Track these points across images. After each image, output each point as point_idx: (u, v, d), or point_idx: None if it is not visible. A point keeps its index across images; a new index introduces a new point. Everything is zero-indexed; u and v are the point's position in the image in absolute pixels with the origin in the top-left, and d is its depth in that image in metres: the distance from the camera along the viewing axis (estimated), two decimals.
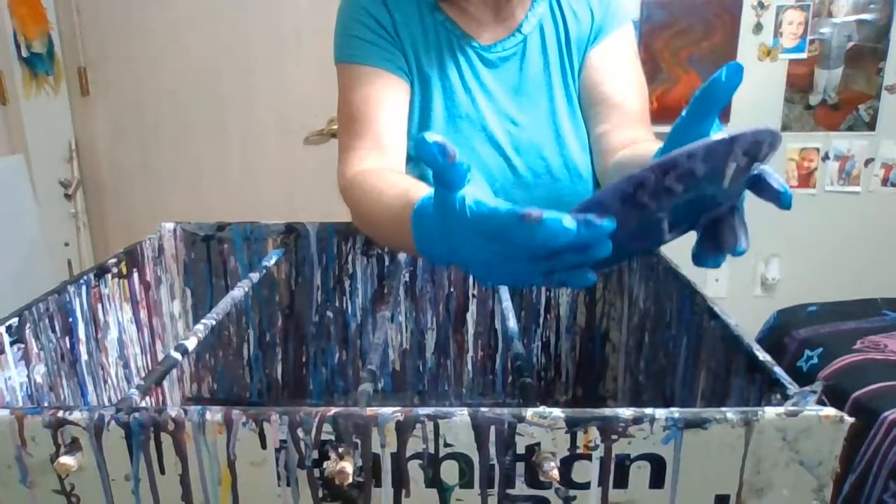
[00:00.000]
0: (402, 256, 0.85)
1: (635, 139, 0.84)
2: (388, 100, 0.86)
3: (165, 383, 0.86)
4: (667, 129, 0.65)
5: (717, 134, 0.48)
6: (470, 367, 0.89)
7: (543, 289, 0.89)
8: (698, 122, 0.50)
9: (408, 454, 0.42)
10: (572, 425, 0.41)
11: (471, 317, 0.88)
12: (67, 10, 2.25)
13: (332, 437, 0.42)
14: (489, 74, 0.91)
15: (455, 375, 0.89)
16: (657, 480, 0.42)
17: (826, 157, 2.42)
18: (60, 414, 0.42)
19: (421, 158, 0.46)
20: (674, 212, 0.49)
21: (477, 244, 0.47)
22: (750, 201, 0.54)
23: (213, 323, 0.63)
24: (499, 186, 0.91)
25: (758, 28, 2.34)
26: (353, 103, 0.86)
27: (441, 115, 0.90)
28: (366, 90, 0.86)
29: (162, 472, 0.43)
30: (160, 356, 0.84)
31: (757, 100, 2.38)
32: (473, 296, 0.87)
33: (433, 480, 0.43)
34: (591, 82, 0.91)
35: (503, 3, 0.89)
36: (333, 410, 0.42)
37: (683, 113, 0.52)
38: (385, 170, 0.79)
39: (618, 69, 0.91)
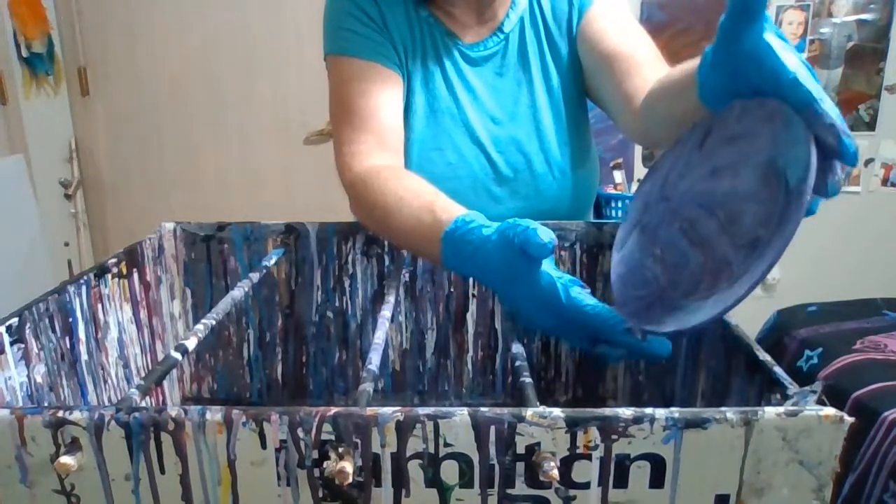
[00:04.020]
0: (401, 255, 0.85)
1: (654, 78, 0.77)
2: (385, 94, 0.86)
3: (165, 383, 0.86)
4: None
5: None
6: (470, 367, 0.89)
7: None
8: (745, 22, 0.47)
9: (408, 454, 0.42)
10: (572, 425, 0.41)
11: (471, 317, 0.87)
12: (67, 10, 2.25)
13: (332, 437, 0.42)
14: (472, 71, 0.92)
15: (455, 375, 0.89)
16: (657, 480, 0.42)
17: None
18: (60, 414, 0.42)
19: (525, 247, 0.51)
20: None
21: (543, 315, 0.54)
22: None
23: (213, 323, 0.63)
24: (479, 181, 0.92)
25: None
26: (350, 96, 0.86)
27: (422, 108, 0.91)
28: (363, 84, 0.86)
29: (162, 471, 0.43)
30: (160, 356, 0.84)
31: None
32: (473, 296, 0.87)
33: (433, 480, 0.43)
34: (590, 47, 0.90)
35: (485, 6, 0.90)
36: (333, 410, 0.42)
37: (723, 17, 0.49)
38: (400, 171, 0.80)
39: (612, 26, 0.89)
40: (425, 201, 0.65)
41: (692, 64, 0.60)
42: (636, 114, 0.79)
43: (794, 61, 0.47)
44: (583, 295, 0.52)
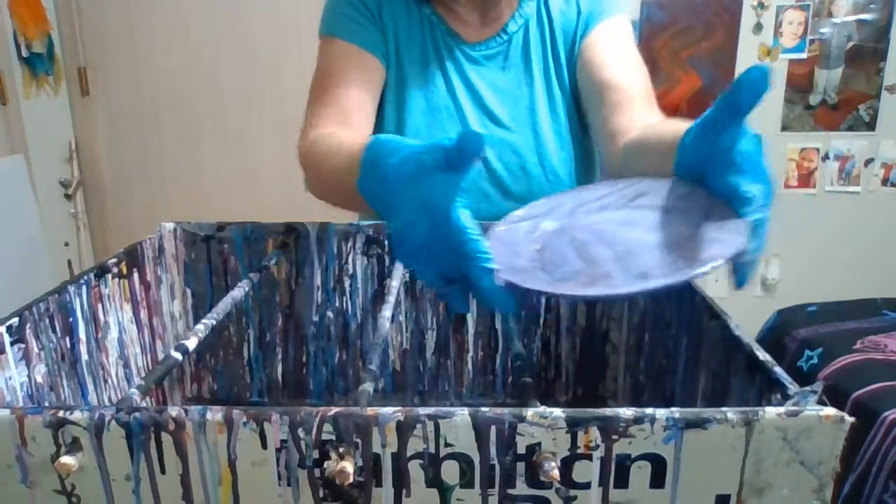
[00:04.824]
0: None
1: (641, 120, 0.79)
2: (360, 77, 0.88)
3: (165, 383, 0.86)
4: None
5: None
6: (470, 367, 0.89)
7: None
8: (728, 121, 0.48)
9: (408, 454, 0.42)
10: (573, 425, 0.41)
11: (471, 317, 0.87)
12: (67, 10, 2.26)
13: (333, 437, 0.42)
14: (472, 70, 0.92)
15: (455, 375, 0.89)
16: (658, 480, 0.42)
17: (826, 157, 2.42)
18: (61, 414, 0.42)
19: (462, 146, 0.45)
20: None
21: (420, 224, 0.49)
22: None
23: (214, 323, 0.63)
24: (471, 180, 0.92)
25: (758, 28, 2.34)
26: (327, 75, 0.89)
27: (419, 104, 0.92)
28: (342, 64, 0.88)
29: (163, 471, 0.43)
30: (160, 356, 0.84)
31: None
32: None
33: (434, 480, 0.43)
34: (587, 72, 0.90)
35: (490, 6, 0.90)
36: (334, 410, 0.42)
37: (710, 112, 0.50)
38: (351, 131, 0.80)
39: (611, 54, 0.89)
40: (361, 138, 0.59)
41: (677, 128, 0.59)
42: (617, 152, 0.80)
43: (756, 186, 0.48)
44: (470, 221, 0.49)
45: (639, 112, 0.81)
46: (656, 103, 0.86)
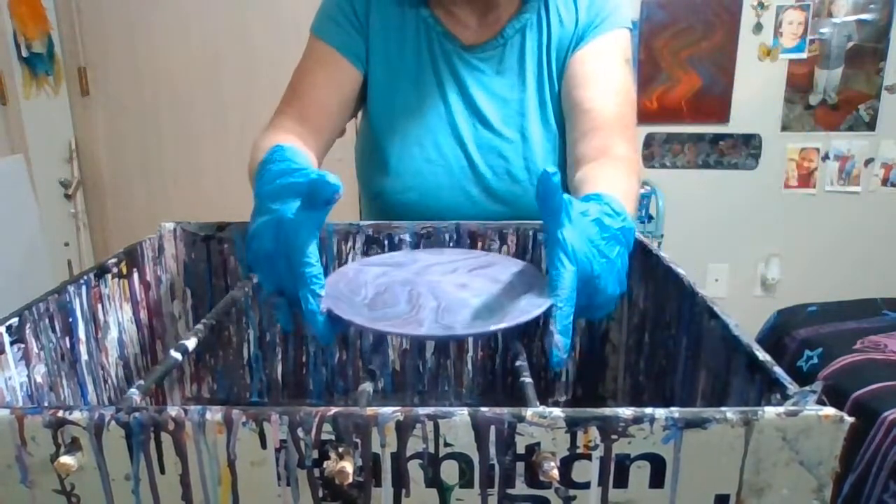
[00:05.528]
0: None
1: (604, 149, 0.79)
2: (329, 81, 0.91)
3: (165, 383, 0.86)
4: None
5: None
6: (470, 367, 0.89)
7: None
8: (549, 216, 0.53)
9: (408, 454, 0.42)
10: (572, 425, 0.41)
11: None
12: (67, 10, 2.26)
13: (332, 437, 0.42)
14: (466, 72, 0.92)
15: (455, 375, 0.89)
16: (657, 480, 0.42)
17: (826, 157, 2.43)
18: (60, 414, 0.42)
19: (315, 188, 0.49)
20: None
21: (267, 233, 0.54)
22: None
23: (213, 323, 0.63)
24: (457, 180, 0.92)
25: (758, 28, 2.34)
26: (299, 72, 0.93)
27: (410, 106, 0.92)
28: (315, 66, 0.92)
29: (162, 471, 0.43)
30: (160, 356, 0.84)
31: (757, 100, 2.38)
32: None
33: (433, 480, 0.43)
34: (568, 88, 0.89)
35: (489, 9, 0.90)
36: (333, 410, 0.42)
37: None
38: (290, 136, 0.83)
39: (595, 74, 0.87)
40: (285, 142, 0.65)
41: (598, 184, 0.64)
42: (572, 178, 0.81)
43: (562, 272, 0.51)
44: (314, 250, 0.52)
45: (600, 140, 0.81)
46: (629, 128, 0.85)
